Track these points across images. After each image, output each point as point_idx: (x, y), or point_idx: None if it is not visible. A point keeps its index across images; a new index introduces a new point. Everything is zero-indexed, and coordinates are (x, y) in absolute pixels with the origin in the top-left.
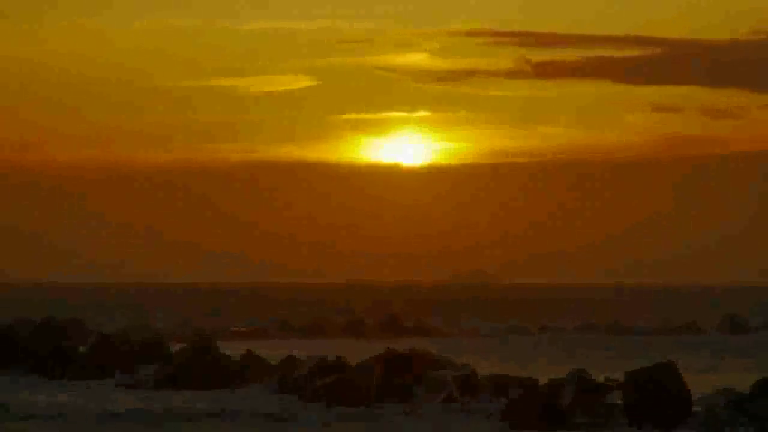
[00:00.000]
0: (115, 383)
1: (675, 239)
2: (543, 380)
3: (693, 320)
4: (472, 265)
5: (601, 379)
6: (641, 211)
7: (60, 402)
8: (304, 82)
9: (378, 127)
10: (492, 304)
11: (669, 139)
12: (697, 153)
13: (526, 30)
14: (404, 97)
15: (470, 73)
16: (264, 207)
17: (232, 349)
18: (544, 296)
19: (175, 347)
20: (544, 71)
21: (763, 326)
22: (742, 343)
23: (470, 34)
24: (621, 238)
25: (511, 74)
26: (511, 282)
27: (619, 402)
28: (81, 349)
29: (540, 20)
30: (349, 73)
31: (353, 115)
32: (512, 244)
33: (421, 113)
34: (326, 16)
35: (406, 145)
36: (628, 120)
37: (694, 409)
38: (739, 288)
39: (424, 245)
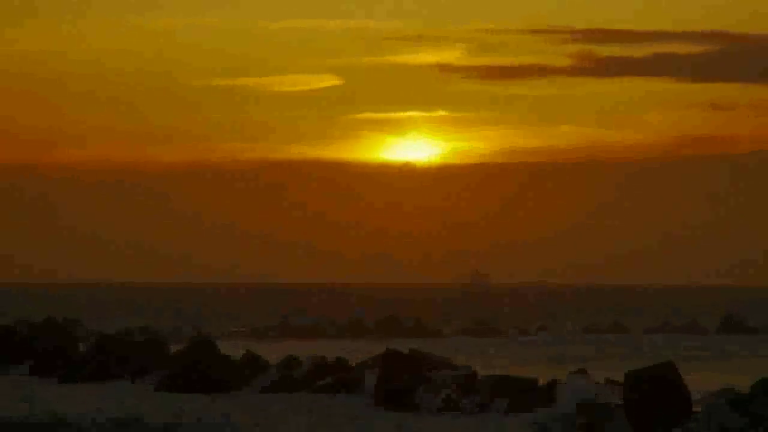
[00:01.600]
0: (115, 384)
1: (699, 238)
2: (543, 380)
3: (693, 320)
4: (473, 266)
5: (601, 379)
6: (679, 213)
7: (59, 403)
8: (331, 81)
9: (398, 126)
10: (492, 304)
11: (717, 138)
12: (741, 151)
13: (586, 27)
14: (439, 96)
15: (520, 71)
16: (270, 206)
17: (232, 349)
18: (545, 296)
19: (175, 347)
20: (607, 68)
21: (763, 326)
22: (742, 343)
23: (525, 31)
24: (634, 238)
25: (573, 71)
26: (512, 282)
27: (619, 402)
28: (81, 349)
29: (601, 17)
30: (376, 71)
31: (373, 114)
32: (514, 243)
33: (467, 113)
34: (366, 15)
35: (423, 144)
36: (668, 118)
37: (694, 409)
38: (741, 288)
39: (426, 245)
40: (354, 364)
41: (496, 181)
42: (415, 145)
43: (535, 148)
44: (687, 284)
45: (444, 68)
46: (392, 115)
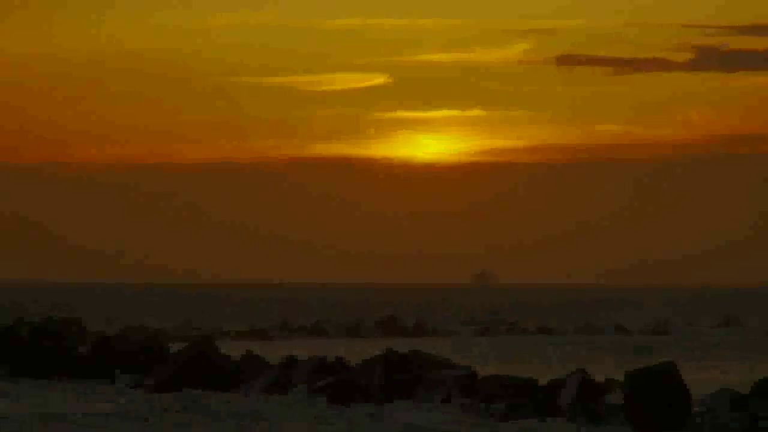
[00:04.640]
0: (115, 384)
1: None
2: (543, 380)
3: (693, 320)
4: (477, 266)
5: (601, 379)
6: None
7: (59, 403)
8: (379, 79)
9: (433, 126)
10: (492, 304)
11: None
12: None
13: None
14: (484, 95)
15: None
16: (295, 204)
17: (232, 349)
18: (546, 296)
19: (175, 347)
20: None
21: (763, 326)
22: (742, 342)
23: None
24: (643, 238)
25: (693, 66)
26: (512, 282)
27: (619, 402)
28: (81, 349)
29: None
30: (424, 70)
31: (411, 113)
32: (514, 242)
33: (519, 111)
34: (427, 14)
35: (458, 143)
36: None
37: (694, 409)
38: (742, 288)
39: (433, 246)
40: (354, 364)
41: (521, 181)
42: (452, 144)
43: (571, 144)
44: (690, 284)
45: (561, 59)
46: (427, 113)
